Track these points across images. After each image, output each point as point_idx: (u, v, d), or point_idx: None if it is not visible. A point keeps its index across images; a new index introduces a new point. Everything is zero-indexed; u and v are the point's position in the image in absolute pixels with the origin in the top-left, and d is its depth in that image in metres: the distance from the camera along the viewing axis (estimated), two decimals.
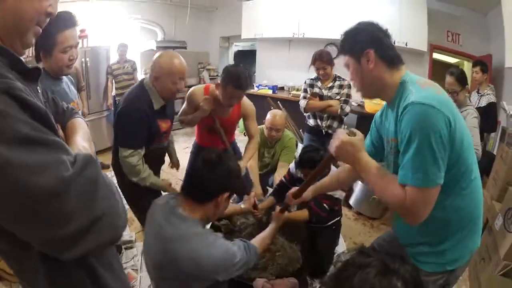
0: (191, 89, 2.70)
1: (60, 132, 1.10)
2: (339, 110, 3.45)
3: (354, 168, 1.42)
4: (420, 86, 1.31)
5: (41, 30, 0.90)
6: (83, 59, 5.07)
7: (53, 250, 0.77)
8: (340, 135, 1.39)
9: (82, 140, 1.12)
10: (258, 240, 1.84)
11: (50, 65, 1.95)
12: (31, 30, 0.86)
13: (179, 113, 2.78)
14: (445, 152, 1.21)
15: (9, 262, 1.00)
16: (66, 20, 1.85)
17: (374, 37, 1.38)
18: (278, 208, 2.18)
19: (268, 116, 3.16)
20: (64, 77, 2.14)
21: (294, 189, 2.05)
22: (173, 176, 4.03)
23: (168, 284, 1.54)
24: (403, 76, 1.39)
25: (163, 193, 1.88)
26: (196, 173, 1.56)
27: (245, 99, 2.77)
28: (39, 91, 0.98)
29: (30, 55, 2.50)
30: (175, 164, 2.97)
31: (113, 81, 5.55)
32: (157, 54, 2.21)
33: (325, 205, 2.50)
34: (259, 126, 3.23)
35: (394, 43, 1.45)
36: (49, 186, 0.69)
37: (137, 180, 2.25)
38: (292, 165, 2.81)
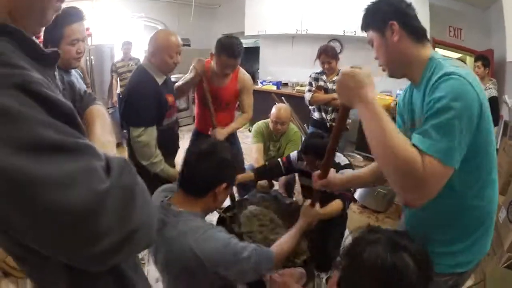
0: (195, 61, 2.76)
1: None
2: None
3: (359, 112, 1.16)
4: (455, 64, 1.18)
5: (61, 6, 0.78)
6: (87, 57, 5.11)
7: (82, 265, 0.64)
8: (343, 69, 1.21)
9: (104, 132, 1.03)
10: (278, 244, 1.64)
11: None
12: (51, 6, 0.74)
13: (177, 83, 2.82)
14: (468, 138, 1.09)
15: (24, 267, 0.87)
16: (73, 15, 1.87)
17: (398, 8, 1.27)
18: (307, 202, 1.86)
19: (273, 109, 3.17)
20: (72, 70, 2.14)
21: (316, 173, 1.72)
22: None
23: (178, 285, 1.55)
24: (432, 53, 1.28)
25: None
26: (189, 167, 1.48)
27: (242, 72, 2.90)
28: (57, 77, 0.87)
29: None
30: None
31: (118, 79, 5.58)
32: (153, 33, 2.32)
33: None
34: (264, 121, 3.27)
35: None
36: (83, 203, 0.56)
37: (148, 164, 2.28)
38: (293, 153, 2.73)
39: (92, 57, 5.19)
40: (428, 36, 4.41)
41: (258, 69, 8.04)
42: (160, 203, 1.51)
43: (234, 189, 2.92)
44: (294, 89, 6.50)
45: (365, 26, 1.38)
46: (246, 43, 8.79)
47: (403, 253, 0.84)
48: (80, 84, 2.22)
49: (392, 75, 1.39)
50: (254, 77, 8.01)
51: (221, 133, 2.73)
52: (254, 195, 2.61)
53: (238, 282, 1.54)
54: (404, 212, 1.66)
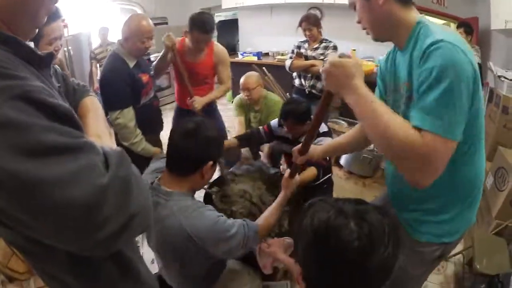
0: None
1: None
2: (320, 70, 3.47)
3: (348, 102, 1.14)
4: (444, 30, 1.12)
5: (54, 6, 0.80)
6: (65, 48, 5.08)
7: (85, 252, 0.71)
8: (330, 57, 1.16)
9: (98, 124, 1.05)
10: (262, 218, 1.68)
11: None
12: (43, 6, 0.76)
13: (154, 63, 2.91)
14: (468, 106, 1.05)
15: (29, 259, 0.96)
16: (52, 13, 1.90)
17: None
18: (286, 173, 1.86)
19: (241, 79, 3.19)
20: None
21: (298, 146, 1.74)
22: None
23: (171, 270, 1.63)
24: (419, 17, 1.21)
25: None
26: (175, 147, 1.49)
27: (217, 46, 3.00)
28: (52, 76, 0.92)
29: None
30: None
31: (98, 65, 5.56)
32: (127, 18, 2.39)
33: None
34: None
35: None
36: (87, 198, 0.62)
37: (129, 145, 2.42)
38: (274, 121, 2.76)
39: (70, 47, 5.16)
40: None
41: (238, 41, 7.98)
42: (151, 185, 1.53)
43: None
44: (275, 58, 6.48)
45: None
46: (225, 15, 8.81)
47: (349, 219, 0.82)
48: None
49: (376, 38, 1.33)
50: (235, 49, 7.96)
51: (199, 102, 2.80)
52: (238, 168, 2.69)
53: (229, 258, 1.61)
54: (387, 180, 1.63)
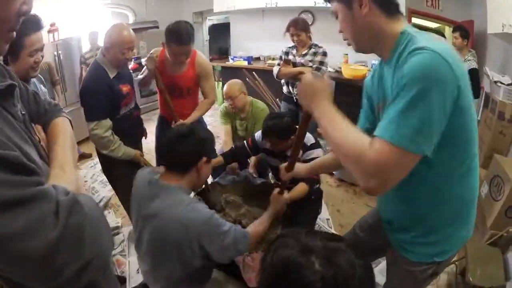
0: (149, 54, 2.77)
1: (43, 134, 1.10)
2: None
3: (315, 116, 1.18)
4: (431, 38, 1.08)
5: (15, 34, 0.79)
6: (55, 53, 5.02)
7: None
8: (303, 77, 1.22)
9: (64, 152, 1.05)
10: (251, 227, 1.76)
11: (18, 68, 1.98)
12: (2, 39, 0.77)
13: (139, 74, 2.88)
14: (444, 118, 0.99)
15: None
16: (33, 24, 1.90)
17: None
18: (275, 190, 1.92)
19: (224, 87, 3.15)
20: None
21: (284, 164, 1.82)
22: (149, 153, 4.10)
23: (158, 269, 1.62)
24: (405, 26, 1.17)
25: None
26: (172, 147, 1.65)
27: (200, 57, 2.85)
28: (17, 105, 0.92)
29: None
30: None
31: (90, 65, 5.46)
32: (109, 27, 2.38)
33: None
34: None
35: None
36: (39, 251, 0.66)
37: (108, 153, 2.45)
38: (258, 133, 2.67)
39: (60, 52, 5.09)
40: (404, 6, 4.24)
41: (230, 45, 7.99)
42: (149, 179, 1.66)
43: None
44: (266, 63, 6.44)
45: None
46: (217, 19, 8.79)
47: (311, 256, 0.77)
48: (41, 92, 2.27)
49: (359, 50, 1.29)
50: (227, 53, 7.94)
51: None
52: (223, 178, 2.66)
53: (219, 260, 1.60)
54: (378, 201, 1.63)
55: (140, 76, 2.83)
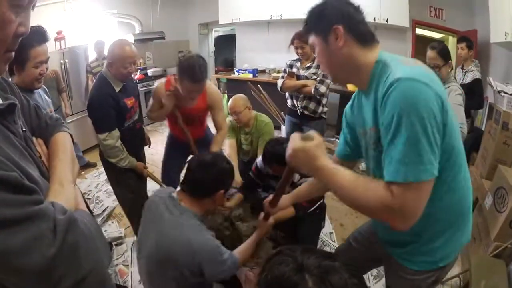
0: (155, 86, 2.80)
1: (44, 148, 1.11)
2: (313, 90, 3.45)
3: (318, 179, 1.22)
4: (403, 63, 1.12)
5: (13, 54, 0.83)
6: (61, 61, 5.07)
7: None
8: (292, 141, 1.21)
9: (64, 167, 1.07)
10: (240, 252, 1.82)
11: (22, 79, 2.08)
12: (0, 60, 0.80)
13: (147, 109, 2.90)
14: (440, 137, 1.03)
15: None
16: (39, 36, 1.99)
17: (343, 12, 1.19)
18: (261, 215, 1.96)
19: (229, 102, 3.16)
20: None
21: (269, 197, 1.85)
22: (153, 164, 4.15)
23: (159, 280, 1.65)
24: (379, 55, 1.20)
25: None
26: (194, 174, 1.74)
27: (210, 87, 2.82)
28: (18, 122, 0.94)
29: None
30: (146, 140, 3.15)
31: (93, 79, 5.48)
32: (111, 42, 2.47)
33: None
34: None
35: (375, 20, 1.27)
36: (37, 266, 0.71)
37: (117, 161, 2.56)
38: (259, 160, 2.62)
39: (66, 60, 5.14)
40: (408, 17, 4.25)
41: (235, 57, 8.05)
42: (168, 197, 1.74)
43: None
44: (271, 75, 6.45)
45: (307, 30, 1.30)
46: (223, 30, 8.87)
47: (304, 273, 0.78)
48: (45, 102, 2.36)
49: (336, 80, 1.37)
50: (233, 65, 7.99)
51: None
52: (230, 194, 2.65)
53: (209, 279, 1.67)
54: (373, 220, 1.65)
55: (154, 114, 2.85)
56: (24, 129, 0.99)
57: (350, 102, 1.49)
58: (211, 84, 2.83)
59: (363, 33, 1.20)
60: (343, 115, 1.55)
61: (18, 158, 0.82)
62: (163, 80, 2.80)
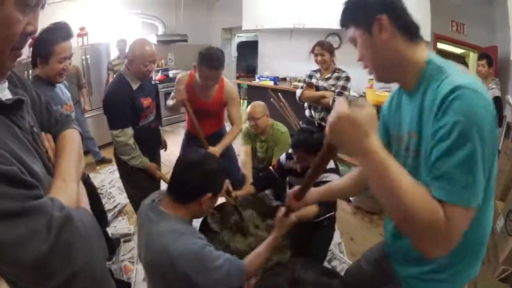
0: (178, 76, 2.92)
1: (52, 143, 1.12)
2: (330, 102, 3.45)
3: (360, 164, 0.96)
4: (460, 70, 0.99)
5: (22, 52, 0.82)
6: (83, 57, 5.13)
7: None
8: (338, 107, 0.90)
9: (69, 164, 1.07)
10: (249, 258, 1.62)
11: (46, 72, 2.14)
12: (7, 58, 0.80)
13: (169, 98, 2.98)
14: (490, 163, 0.93)
15: None
16: (64, 32, 2.06)
17: (385, 0, 1.06)
18: (280, 211, 1.72)
19: (247, 108, 3.19)
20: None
21: (295, 188, 1.54)
22: (169, 165, 4.09)
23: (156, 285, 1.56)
24: (429, 54, 1.08)
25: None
26: (178, 175, 1.55)
27: (227, 84, 2.94)
28: (25, 117, 0.94)
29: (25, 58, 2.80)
30: (163, 143, 3.18)
31: (114, 76, 5.54)
32: (132, 41, 2.53)
33: None
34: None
35: None
36: (31, 260, 0.74)
37: (128, 159, 2.56)
38: (282, 155, 2.67)
39: (88, 56, 5.20)
40: (429, 31, 4.19)
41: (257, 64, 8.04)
42: (151, 201, 1.60)
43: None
44: (291, 84, 6.40)
45: (345, 22, 1.17)
46: (246, 36, 8.89)
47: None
48: (65, 96, 2.41)
49: (380, 79, 1.18)
50: (255, 71, 7.99)
51: (214, 152, 2.73)
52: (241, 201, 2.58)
53: None
54: (386, 237, 1.50)
55: (169, 102, 2.91)
56: (31, 124, 1.00)
57: (387, 102, 1.35)
58: (228, 81, 2.95)
59: (409, 25, 1.07)
60: (380, 114, 1.36)
61: (23, 152, 0.84)
62: (186, 72, 2.91)
